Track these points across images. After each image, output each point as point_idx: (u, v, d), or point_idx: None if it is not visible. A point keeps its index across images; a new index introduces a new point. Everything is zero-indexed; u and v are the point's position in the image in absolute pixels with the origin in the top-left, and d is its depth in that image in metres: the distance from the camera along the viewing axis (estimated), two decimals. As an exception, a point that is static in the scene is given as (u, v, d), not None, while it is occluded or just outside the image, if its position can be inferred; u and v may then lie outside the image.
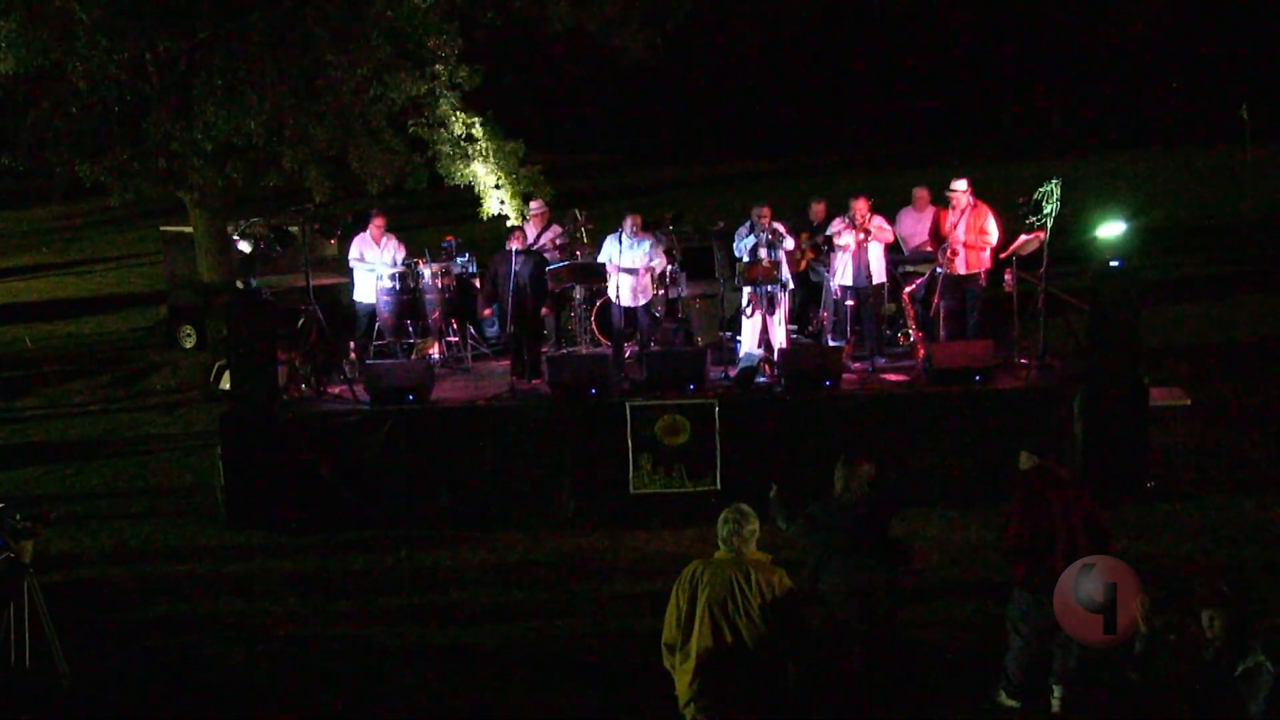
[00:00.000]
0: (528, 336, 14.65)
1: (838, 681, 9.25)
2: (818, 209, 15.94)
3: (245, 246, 16.09)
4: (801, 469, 13.21)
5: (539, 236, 16.01)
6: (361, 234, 16.07)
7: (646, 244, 14.86)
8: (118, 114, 18.56)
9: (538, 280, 14.65)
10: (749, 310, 14.44)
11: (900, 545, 9.32)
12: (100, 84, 17.90)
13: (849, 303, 14.79)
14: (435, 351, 15.70)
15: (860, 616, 9.07)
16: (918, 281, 15.53)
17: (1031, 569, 9.11)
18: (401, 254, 15.92)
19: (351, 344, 15.99)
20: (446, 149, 18.92)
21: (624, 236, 14.80)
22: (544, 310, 15.37)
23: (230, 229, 19.44)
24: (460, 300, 16.10)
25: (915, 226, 16.05)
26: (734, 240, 14.83)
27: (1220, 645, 6.85)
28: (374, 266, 15.82)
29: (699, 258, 16.54)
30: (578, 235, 16.31)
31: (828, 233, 14.95)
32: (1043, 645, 9.26)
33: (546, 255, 15.80)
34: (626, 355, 14.97)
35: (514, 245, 14.63)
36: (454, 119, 18.79)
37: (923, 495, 13.05)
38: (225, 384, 15.31)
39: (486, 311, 15.41)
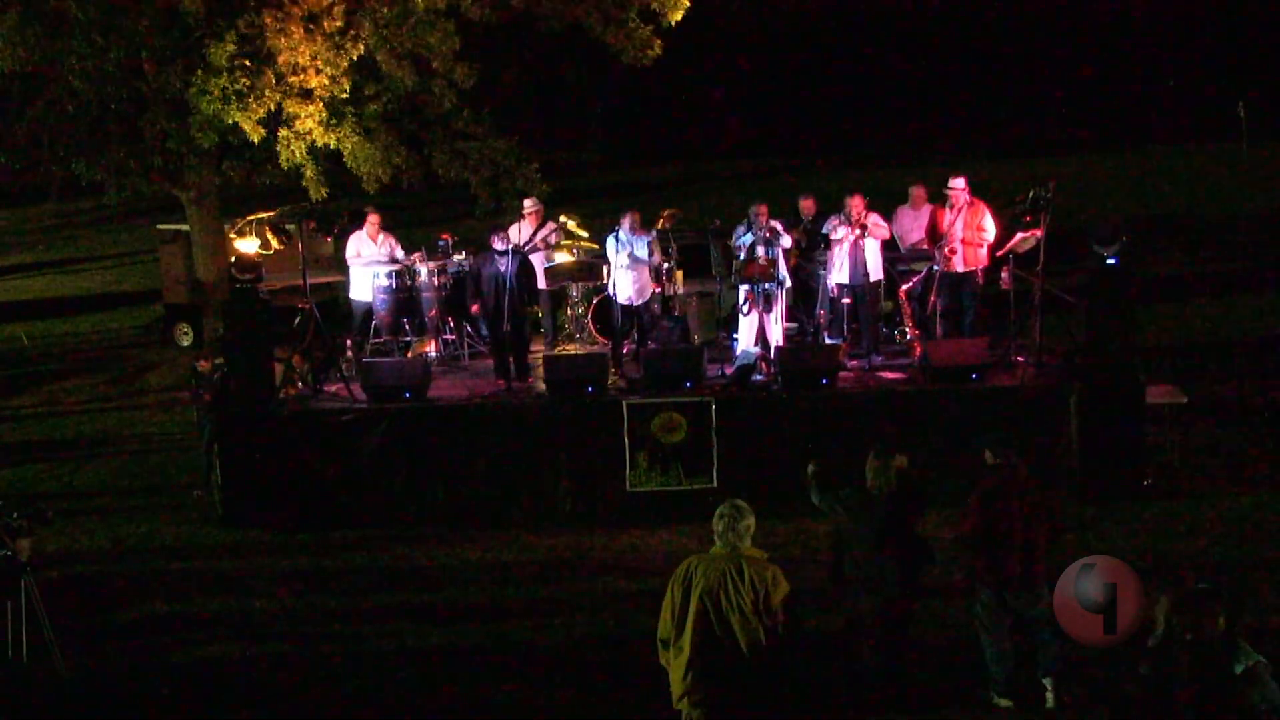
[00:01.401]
0: (515, 337, 14.57)
1: (847, 678, 9.29)
2: (806, 205, 15.93)
3: (248, 246, 16.08)
4: (798, 467, 13.26)
5: (534, 234, 16.00)
6: (358, 232, 16.08)
7: (645, 242, 14.85)
8: (114, 112, 18.56)
9: (523, 279, 14.58)
10: (746, 308, 14.45)
11: (923, 544, 9.30)
12: (96, 82, 17.90)
13: (845, 300, 14.79)
14: (432, 349, 15.70)
15: (877, 614, 9.08)
16: (915, 279, 15.54)
17: (990, 565, 9.16)
18: (399, 249, 15.93)
19: (348, 342, 16.00)
20: (442, 146, 18.92)
21: (621, 234, 14.78)
22: (527, 309, 15.34)
23: (227, 227, 19.46)
24: (457, 298, 16.09)
25: (912, 224, 16.05)
26: (731, 238, 14.84)
27: (1223, 643, 6.89)
28: (371, 264, 15.81)
29: (696, 256, 16.54)
30: (576, 234, 16.29)
31: (824, 230, 14.95)
32: (1016, 640, 9.28)
33: (541, 253, 15.79)
34: (624, 353, 14.96)
35: (498, 245, 14.56)
36: (451, 117, 18.80)
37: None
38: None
39: (474, 308, 15.39)
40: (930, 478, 12.91)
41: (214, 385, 14.28)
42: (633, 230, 14.83)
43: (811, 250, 15.31)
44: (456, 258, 16.32)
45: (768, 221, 14.33)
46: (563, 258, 16.06)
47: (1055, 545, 9.20)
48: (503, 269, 14.33)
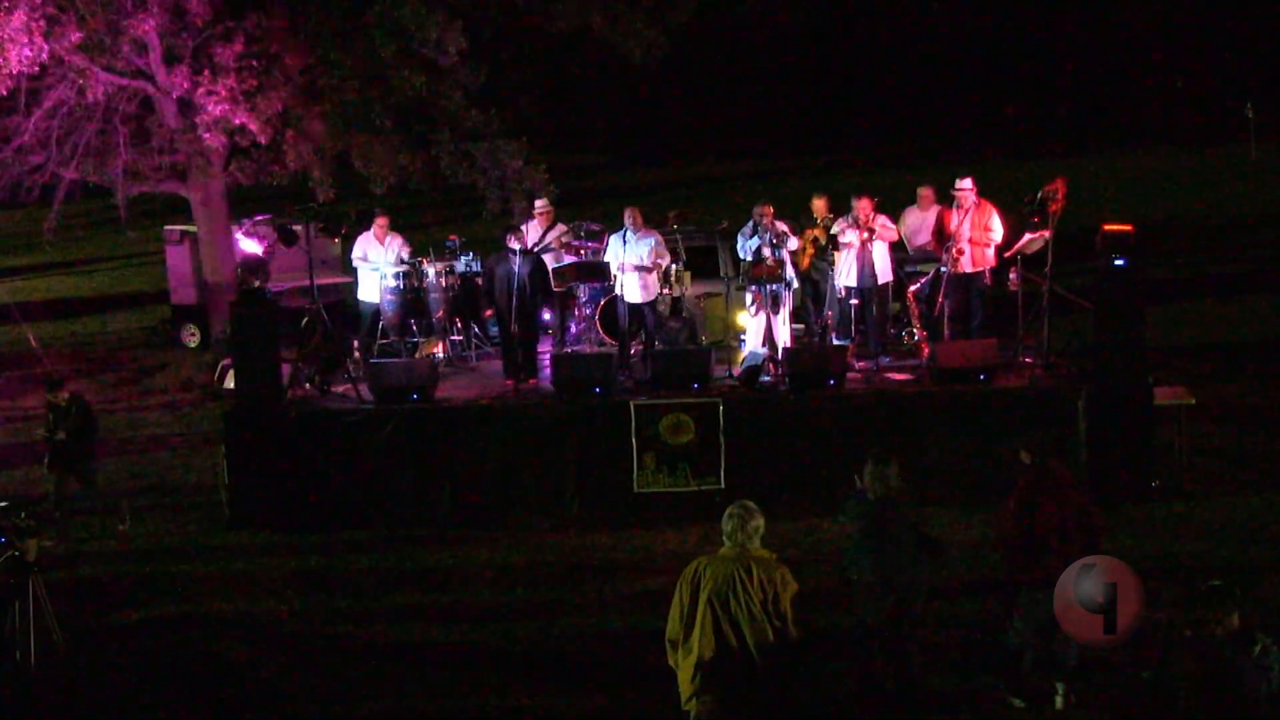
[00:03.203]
0: (524, 337, 14.57)
1: (860, 680, 9.27)
2: (819, 204, 15.90)
3: (252, 246, 16.08)
4: (806, 468, 13.29)
5: (544, 235, 16.00)
6: (365, 233, 16.09)
7: (650, 241, 14.83)
8: (121, 112, 18.58)
9: (535, 280, 14.59)
10: (753, 309, 14.44)
11: (933, 543, 9.28)
12: (103, 83, 17.93)
13: (853, 302, 14.77)
14: (439, 350, 15.69)
15: (893, 617, 9.07)
16: (922, 280, 15.51)
17: (1027, 565, 9.15)
18: (406, 251, 15.92)
19: (355, 343, 16.00)
20: (450, 148, 18.93)
21: (627, 233, 14.77)
22: (546, 312, 15.32)
23: (234, 228, 19.50)
24: (464, 299, 16.09)
25: (920, 225, 16.05)
26: (738, 240, 14.82)
27: (1234, 641, 6.88)
28: (377, 265, 15.82)
29: (703, 257, 16.52)
30: (582, 235, 16.28)
31: (832, 232, 14.92)
32: (1042, 642, 9.26)
33: (551, 254, 15.78)
34: (631, 354, 14.95)
35: (513, 244, 14.57)
36: (459, 118, 18.81)
37: (926, 494, 13.01)
38: (229, 383, 15.32)
39: (488, 312, 15.37)
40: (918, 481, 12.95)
41: (70, 419, 13.47)
42: (635, 228, 14.81)
43: (830, 248, 15.26)
44: (464, 258, 16.32)
45: (773, 222, 14.32)
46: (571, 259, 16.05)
47: (1093, 546, 9.13)
48: (516, 269, 14.34)
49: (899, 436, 13.18)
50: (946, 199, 15.44)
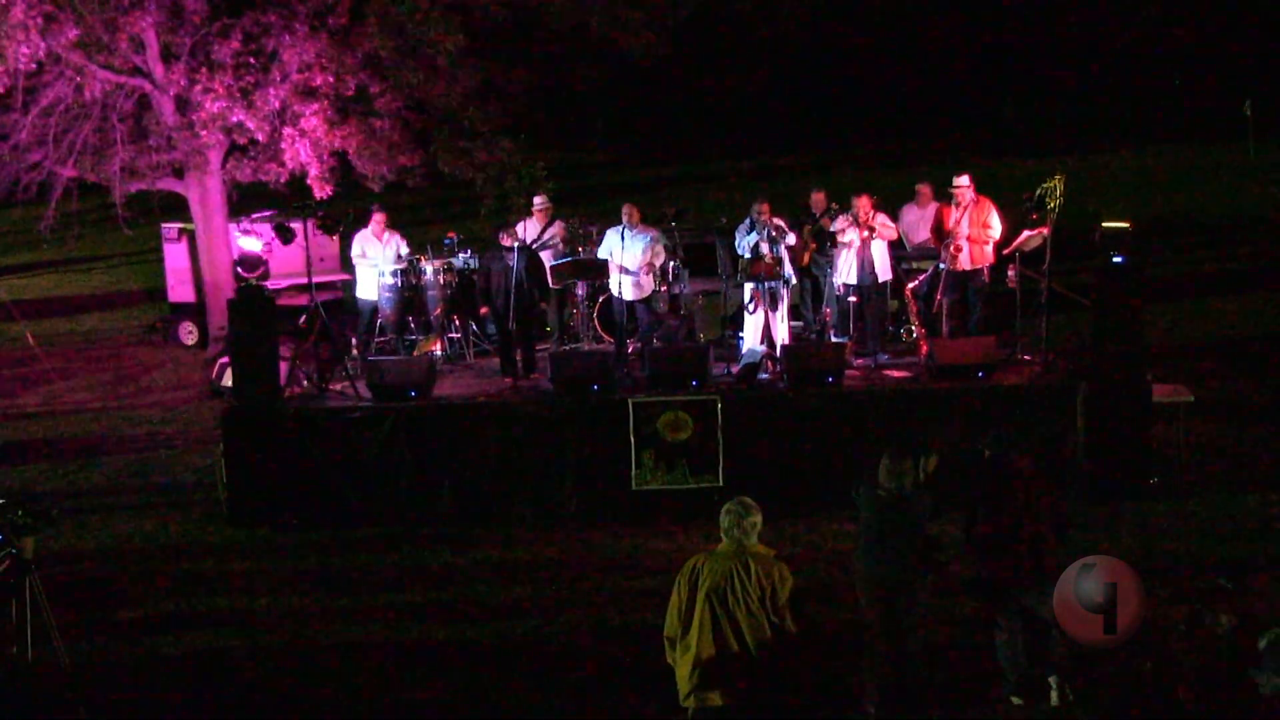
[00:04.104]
0: (523, 334, 14.57)
1: (854, 675, 9.28)
2: (817, 198, 15.90)
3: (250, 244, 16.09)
4: (804, 465, 13.28)
5: (543, 233, 16.00)
6: (363, 230, 16.08)
7: (647, 238, 14.83)
8: (118, 110, 18.57)
9: (531, 276, 14.57)
10: (752, 306, 14.44)
11: (934, 548, 9.26)
12: (101, 79, 17.92)
13: (852, 299, 14.77)
14: (437, 348, 15.69)
15: (882, 612, 9.06)
16: (921, 278, 15.53)
17: (999, 563, 9.15)
18: (405, 248, 15.91)
19: (354, 340, 15.98)
20: (448, 145, 18.92)
21: (624, 230, 14.77)
22: (542, 305, 15.31)
23: (233, 226, 19.49)
24: (462, 296, 16.09)
25: (918, 222, 16.05)
26: (735, 237, 14.82)
27: (1234, 636, 6.88)
28: (376, 263, 15.82)
29: (701, 254, 16.52)
30: (579, 233, 16.27)
31: (832, 229, 14.92)
32: (1029, 637, 9.27)
33: (550, 252, 15.77)
34: (629, 351, 14.95)
35: (505, 242, 14.55)
36: (457, 115, 18.81)
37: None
38: (227, 381, 15.30)
39: (483, 310, 15.35)
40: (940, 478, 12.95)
41: None
42: (632, 225, 14.81)
43: (830, 245, 15.26)
44: (462, 255, 16.31)
45: (770, 219, 14.32)
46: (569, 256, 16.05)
47: (1061, 542, 9.20)
48: (511, 266, 14.32)
49: (897, 434, 13.17)
50: (944, 196, 15.44)
